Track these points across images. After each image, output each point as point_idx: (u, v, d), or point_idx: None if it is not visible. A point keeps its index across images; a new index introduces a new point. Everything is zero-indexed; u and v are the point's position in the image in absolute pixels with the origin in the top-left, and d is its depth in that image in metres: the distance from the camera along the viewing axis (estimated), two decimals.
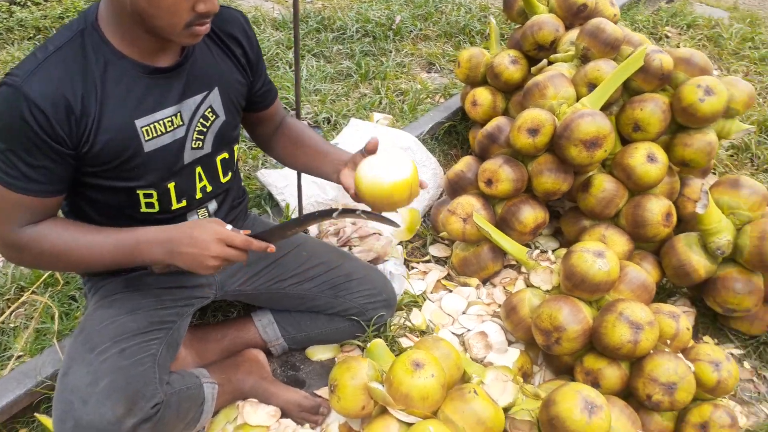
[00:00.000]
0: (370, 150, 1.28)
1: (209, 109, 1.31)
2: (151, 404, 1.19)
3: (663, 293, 1.97)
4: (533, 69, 2.27)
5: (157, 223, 1.29)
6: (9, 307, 1.80)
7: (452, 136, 2.64)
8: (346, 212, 1.26)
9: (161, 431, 1.23)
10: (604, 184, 1.89)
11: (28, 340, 1.64)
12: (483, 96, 2.34)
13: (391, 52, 3.43)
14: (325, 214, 1.28)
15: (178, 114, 1.26)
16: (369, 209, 1.28)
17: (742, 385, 1.74)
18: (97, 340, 1.26)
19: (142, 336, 1.30)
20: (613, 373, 1.53)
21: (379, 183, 1.19)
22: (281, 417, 1.56)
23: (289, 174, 2.06)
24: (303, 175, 1.92)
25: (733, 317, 1.82)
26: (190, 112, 1.28)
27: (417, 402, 1.35)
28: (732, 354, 1.81)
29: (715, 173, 2.59)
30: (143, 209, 1.30)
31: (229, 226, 1.22)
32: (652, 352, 1.50)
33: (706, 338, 1.87)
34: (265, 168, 2.23)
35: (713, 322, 1.91)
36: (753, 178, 2.53)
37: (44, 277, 1.81)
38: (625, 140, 1.97)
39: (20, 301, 1.77)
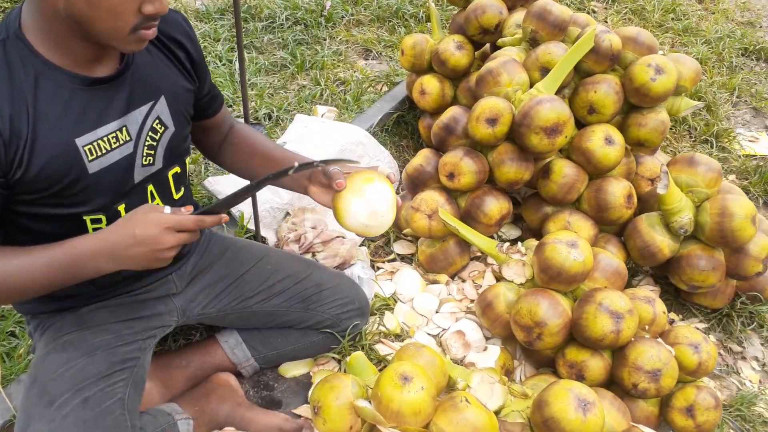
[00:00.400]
0: (339, 186, 1.16)
1: (157, 121, 1.18)
2: None
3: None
4: (478, 53, 2.23)
5: None
6: None
7: (401, 127, 2.57)
8: (304, 166, 1.12)
9: None
10: (564, 170, 1.88)
11: None
12: (431, 84, 2.28)
13: (325, 39, 3.30)
14: (281, 174, 1.11)
15: (124, 128, 1.12)
16: (326, 160, 1.17)
17: None
18: (55, 391, 1.12)
19: (105, 380, 1.17)
20: (597, 365, 1.53)
21: (368, 230, 1.21)
22: None
23: (239, 180, 1.92)
24: None
25: (697, 293, 1.86)
26: (137, 126, 1.15)
27: (409, 418, 1.29)
28: (697, 328, 1.86)
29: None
30: None
31: (168, 208, 1.06)
32: (633, 339, 1.51)
33: (672, 315, 1.91)
34: (212, 176, 2.08)
35: (676, 298, 1.95)
36: (693, 150, 2.62)
37: None
38: (579, 124, 1.97)
39: None
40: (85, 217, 1.13)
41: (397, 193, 2.24)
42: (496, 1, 2.19)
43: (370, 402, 1.37)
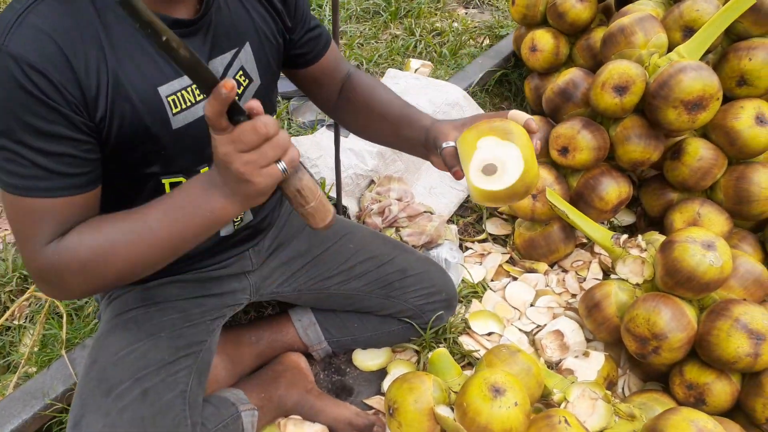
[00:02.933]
0: (457, 176, 0.97)
1: (240, 72, 1.01)
2: None
3: None
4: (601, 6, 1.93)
5: None
6: (12, 300, 1.58)
7: (504, 87, 2.31)
8: None
9: None
10: (700, 151, 1.58)
11: (32, 349, 1.41)
12: (544, 40, 2.00)
13: None
14: None
15: None
16: None
17: None
18: (114, 378, 1.01)
19: (167, 368, 1.05)
20: (722, 389, 1.29)
21: (496, 194, 0.91)
22: None
23: (321, 141, 1.77)
24: (341, 142, 1.63)
25: None
26: (219, 76, 0.97)
27: None
28: None
29: None
30: None
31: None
32: None
33: None
34: (291, 133, 1.93)
35: None
36: None
37: None
38: (724, 97, 1.64)
39: (24, 297, 1.53)
40: (164, 180, 0.98)
41: None
42: None
43: (452, 409, 1.21)
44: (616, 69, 1.52)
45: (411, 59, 2.44)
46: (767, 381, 1.24)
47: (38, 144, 0.79)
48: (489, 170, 0.90)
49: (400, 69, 2.36)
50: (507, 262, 1.75)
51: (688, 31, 1.59)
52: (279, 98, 2.20)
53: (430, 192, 1.87)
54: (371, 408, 1.42)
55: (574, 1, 1.92)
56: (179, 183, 0.98)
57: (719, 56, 1.65)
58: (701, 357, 1.31)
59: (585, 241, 1.79)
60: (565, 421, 1.16)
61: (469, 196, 1.95)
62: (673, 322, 1.29)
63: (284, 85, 2.21)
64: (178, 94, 0.92)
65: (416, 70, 2.34)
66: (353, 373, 1.50)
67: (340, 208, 1.68)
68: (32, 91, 0.76)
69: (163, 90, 0.89)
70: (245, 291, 1.28)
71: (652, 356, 1.32)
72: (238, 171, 0.77)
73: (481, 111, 2.04)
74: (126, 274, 0.88)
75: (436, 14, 2.87)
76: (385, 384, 1.44)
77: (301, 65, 1.17)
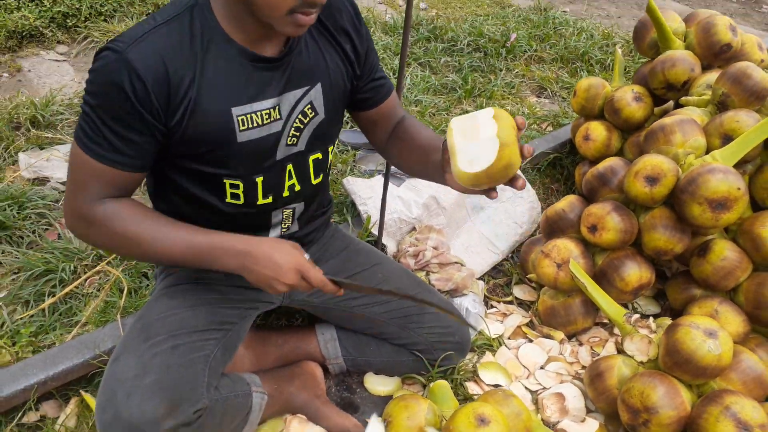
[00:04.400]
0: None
1: (309, 106, 1.22)
2: (194, 409, 1.12)
3: None
4: (657, 110, 2.07)
5: (241, 215, 1.23)
6: (86, 272, 1.81)
7: (556, 170, 2.46)
8: (425, 303, 1.34)
9: None
10: (725, 252, 1.66)
11: (95, 310, 1.63)
12: (597, 131, 2.15)
13: (501, 70, 3.28)
14: (408, 297, 1.32)
15: (277, 107, 1.17)
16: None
17: None
18: (153, 330, 1.20)
19: (199, 334, 1.23)
20: None
21: (473, 175, 1.00)
22: None
23: (375, 185, 1.96)
24: (389, 189, 1.82)
25: None
26: (289, 107, 1.19)
27: None
28: None
29: None
30: (228, 199, 1.22)
31: (307, 255, 1.18)
32: None
33: None
34: (353, 176, 2.14)
35: None
36: None
37: None
38: (757, 206, 1.73)
39: (95, 270, 1.77)
40: (225, 180, 1.19)
41: (533, 235, 2.14)
42: (689, 56, 2.01)
43: None
44: (650, 161, 1.65)
45: None
46: None
47: (114, 125, 1.04)
48: (469, 153, 0.99)
49: None
50: (526, 324, 1.84)
51: (727, 138, 1.71)
52: (349, 148, 2.44)
53: (467, 249, 2.01)
54: None
55: (630, 99, 2.08)
56: (237, 185, 1.20)
57: (756, 167, 1.75)
58: None
59: (606, 321, 1.86)
60: None
61: (503, 259, 2.08)
62: (666, 398, 1.36)
63: (355, 137, 2.47)
64: (248, 115, 1.14)
65: None
66: (362, 394, 1.62)
67: (380, 245, 1.85)
68: (128, 92, 1.01)
69: (236, 110, 1.12)
70: (279, 293, 1.44)
71: (641, 429, 1.38)
72: (272, 287, 1.16)
73: (529, 185, 2.19)
74: (135, 257, 1.19)
75: (508, 98, 3.08)
76: (387, 406, 1.55)
77: (363, 108, 1.38)
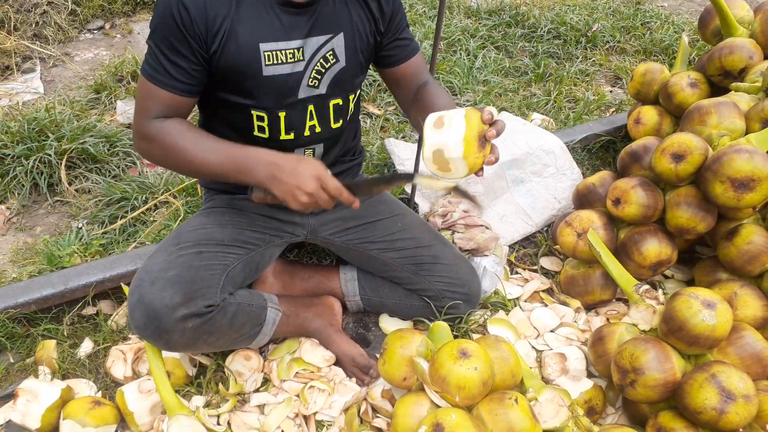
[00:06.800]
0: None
1: (330, 53, 1.36)
2: (206, 303, 1.31)
3: None
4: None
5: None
6: (156, 206, 2.08)
7: (608, 153, 2.46)
8: (426, 178, 1.30)
9: (210, 331, 1.34)
10: (752, 236, 1.64)
11: (152, 231, 1.89)
12: (648, 115, 2.14)
13: (577, 58, 3.27)
14: (407, 177, 1.32)
15: (301, 49, 1.32)
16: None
17: None
18: (184, 238, 1.41)
19: (223, 247, 1.43)
20: None
21: (439, 171, 1.20)
22: (334, 364, 1.61)
23: (415, 147, 2.09)
24: None
25: None
26: (312, 51, 1.34)
27: (452, 389, 1.31)
28: None
29: None
30: (255, 132, 1.40)
31: (329, 172, 1.28)
32: (741, 431, 1.29)
33: None
34: (397, 138, 2.28)
35: None
36: None
37: (185, 184, 2.06)
38: None
39: (158, 199, 2.03)
40: (252, 112, 1.37)
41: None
42: (750, 44, 1.97)
43: (427, 363, 1.42)
44: (678, 138, 1.66)
45: (534, 112, 2.69)
46: None
47: (168, 54, 1.24)
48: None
49: (524, 119, 2.61)
50: (545, 291, 1.90)
51: (767, 124, 1.68)
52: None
53: (501, 219, 2.09)
54: (377, 359, 1.66)
55: (684, 84, 2.06)
56: (261, 117, 1.37)
57: None
58: (677, 406, 1.38)
59: (626, 298, 1.87)
60: (516, 400, 1.32)
61: (536, 231, 2.13)
62: (654, 361, 1.39)
63: None
64: (273, 52, 1.30)
65: (532, 120, 2.57)
66: (376, 332, 1.76)
67: (412, 204, 1.98)
68: (177, 20, 1.21)
69: (263, 46, 1.29)
70: (304, 227, 1.62)
71: (628, 389, 1.42)
72: (295, 198, 1.25)
73: (574, 165, 2.22)
74: (180, 168, 1.37)
75: (580, 84, 3.07)
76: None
77: (386, 65, 1.51)
